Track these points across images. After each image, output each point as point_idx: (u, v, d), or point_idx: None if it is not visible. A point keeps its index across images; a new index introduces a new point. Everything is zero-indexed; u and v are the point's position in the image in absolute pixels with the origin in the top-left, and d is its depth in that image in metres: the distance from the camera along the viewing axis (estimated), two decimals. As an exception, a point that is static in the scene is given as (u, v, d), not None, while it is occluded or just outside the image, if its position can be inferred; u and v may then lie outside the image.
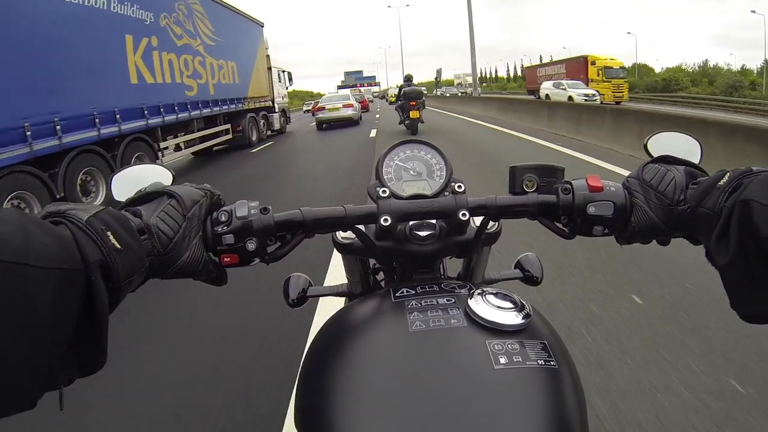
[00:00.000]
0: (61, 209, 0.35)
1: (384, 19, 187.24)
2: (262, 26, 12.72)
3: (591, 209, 0.49)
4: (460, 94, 35.07)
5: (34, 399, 0.29)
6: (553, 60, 32.55)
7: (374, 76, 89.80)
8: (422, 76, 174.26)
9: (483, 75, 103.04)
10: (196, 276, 0.47)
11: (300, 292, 0.77)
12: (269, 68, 13.21)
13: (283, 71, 14.80)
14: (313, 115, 15.82)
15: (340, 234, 0.62)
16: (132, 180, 0.53)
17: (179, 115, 7.61)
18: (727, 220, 0.37)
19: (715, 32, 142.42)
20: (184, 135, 8.40)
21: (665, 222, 0.46)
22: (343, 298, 0.84)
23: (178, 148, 8.52)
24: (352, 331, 0.48)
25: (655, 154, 0.51)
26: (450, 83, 61.11)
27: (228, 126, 10.05)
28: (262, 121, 12.37)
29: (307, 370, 0.46)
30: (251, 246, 0.48)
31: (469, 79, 42.23)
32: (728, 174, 0.40)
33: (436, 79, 42.66)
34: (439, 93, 38.97)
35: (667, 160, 0.49)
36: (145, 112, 6.57)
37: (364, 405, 0.38)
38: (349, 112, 14.79)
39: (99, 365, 0.35)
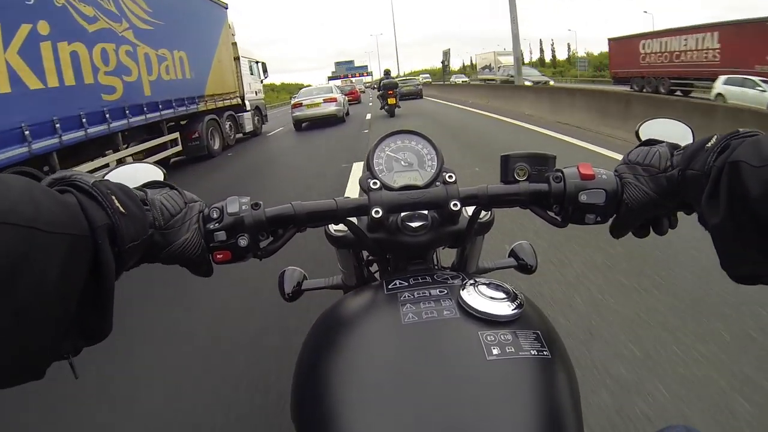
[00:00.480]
0: (66, 175, 0.35)
1: (375, 9, 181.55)
2: (226, 8, 10.53)
3: (583, 197, 0.49)
4: (543, 82, 23.39)
5: (42, 368, 0.30)
6: (676, 27, 17.23)
7: (366, 66, 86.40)
8: (416, 65, 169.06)
9: (475, 63, 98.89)
10: (190, 264, 0.47)
11: (295, 286, 0.78)
12: (237, 58, 11.07)
13: (256, 62, 12.61)
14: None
15: (332, 227, 0.62)
16: (125, 179, 0.49)
17: (90, 130, 5.55)
18: (717, 180, 0.37)
19: (714, 14, 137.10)
20: (103, 157, 6.23)
21: (656, 191, 0.46)
22: (338, 291, 0.81)
23: (122, 162, 6.48)
24: (346, 324, 0.48)
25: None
26: (456, 72, 54.65)
27: (175, 135, 7.95)
28: (228, 123, 10.25)
29: (302, 363, 0.47)
30: (243, 242, 0.47)
31: (505, 60, 31.62)
32: (715, 137, 0.40)
33: (443, 62, 34.21)
34: (460, 80, 31.43)
35: (652, 142, 0.50)
36: (27, 133, 4.55)
37: (358, 397, 0.38)
38: (331, 108, 12.53)
39: (105, 334, 0.35)
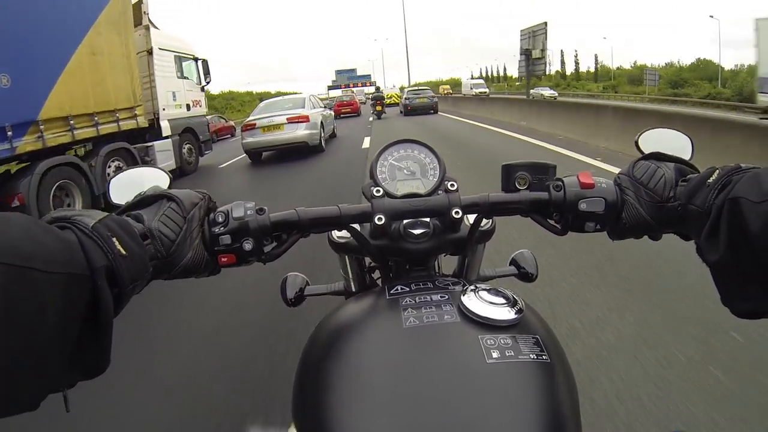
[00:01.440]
0: (67, 215, 0.35)
1: (384, 18, 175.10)
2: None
3: (582, 206, 0.49)
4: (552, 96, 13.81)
5: (37, 401, 0.30)
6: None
7: (369, 75, 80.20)
8: (424, 75, 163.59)
9: (488, 74, 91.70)
10: (197, 275, 0.48)
11: (297, 292, 0.77)
12: (150, 52, 6.76)
13: (195, 59, 8.25)
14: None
15: (335, 233, 0.64)
16: (130, 183, 0.52)
17: None
18: (717, 217, 0.38)
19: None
20: None
21: (655, 219, 0.47)
22: (340, 297, 0.81)
23: None
24: (347, 327, 0.48)
25: (647, 151, 0.51)
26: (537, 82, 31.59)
27: None
28: (115, 164, 5.81)
29: (303, 366, 0.47)
30: (248, 246, 0.48)
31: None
32: (717, 171, 0.40)
33: (526, 55, 12.86)
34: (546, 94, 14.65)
35: (658, 156, 0.50)
36: None
37: (359, 399, 0.38)
38: (299, 133, 8.00)
39: (102, 369, 0.35)
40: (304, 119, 8.10)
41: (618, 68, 61.76)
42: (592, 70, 69.22)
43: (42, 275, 0.27)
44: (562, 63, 75.89)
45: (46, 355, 0.29)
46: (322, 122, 8.99)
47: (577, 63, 74.19)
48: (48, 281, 0.28)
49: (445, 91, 33.29)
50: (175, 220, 0.45)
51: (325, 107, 10.65)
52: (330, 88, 68.61)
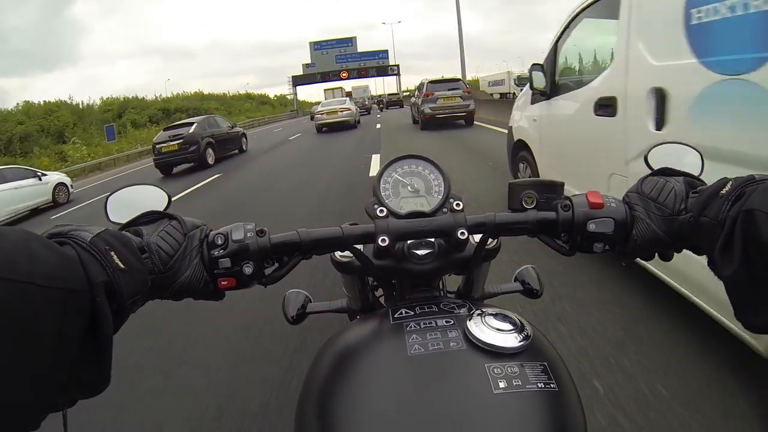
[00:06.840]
0: (65, 230, 0.35)
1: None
2: None
3: (591, 226, 0.48)
4: None
5: (37, 420, 0.29)
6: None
7: (386, 52, 39.11)
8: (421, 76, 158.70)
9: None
10: (195, 296, 0.47)
11: (299, 309, 0.77)
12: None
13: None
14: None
15: (338, 253, 0.62)
16: (128, 202, 0.52)
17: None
18: (731, 229, 0.37)
19: None
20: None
21: (667, 233, 0.46)
22: (342, 314, 0.84)
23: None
24: (351, 354, 0.48)
25: (656, 167, 0.51)
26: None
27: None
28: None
29: (307, 392, 0.46)
30: (248, 270, 0.47)
31: None
32: (730, 183, 0.40)
33: None
34: None
35: (666, 172, 0.50)
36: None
37: (363, 429, 0.38)
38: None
39: (101, 387, 0.35)
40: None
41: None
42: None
43: (41, 290, 0.27)
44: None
45: (46, 372, 0.28)
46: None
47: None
48: (47, 297, 0.27)
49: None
50: (175, 236, 0.45)
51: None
52: (297, 82, 37.30)
